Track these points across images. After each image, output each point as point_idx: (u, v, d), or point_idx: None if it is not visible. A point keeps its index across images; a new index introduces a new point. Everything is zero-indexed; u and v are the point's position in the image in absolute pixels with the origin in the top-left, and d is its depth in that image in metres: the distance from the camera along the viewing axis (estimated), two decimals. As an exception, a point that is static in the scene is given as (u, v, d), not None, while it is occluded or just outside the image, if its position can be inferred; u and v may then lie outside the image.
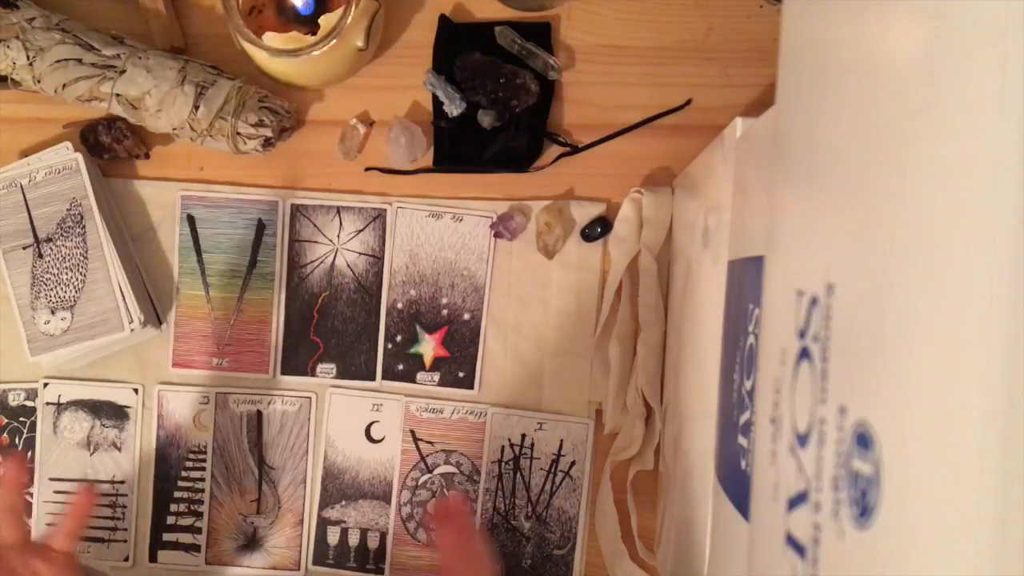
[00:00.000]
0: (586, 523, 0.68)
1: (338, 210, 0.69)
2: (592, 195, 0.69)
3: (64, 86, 0.64)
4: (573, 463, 0.68)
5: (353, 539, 0.69)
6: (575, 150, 0.68)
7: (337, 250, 0.69)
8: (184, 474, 0.70)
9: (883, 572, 0.24)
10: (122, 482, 0.69)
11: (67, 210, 0.67)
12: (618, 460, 0.67)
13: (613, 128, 0.68)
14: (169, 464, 0.70)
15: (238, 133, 0.65)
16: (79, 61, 0.64)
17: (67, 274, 0.66)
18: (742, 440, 0.41)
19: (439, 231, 0.69)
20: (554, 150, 0.68)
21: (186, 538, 0.69)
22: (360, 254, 0.69)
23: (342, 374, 0.69)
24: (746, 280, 0.43)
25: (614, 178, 0.68)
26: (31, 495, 0.69)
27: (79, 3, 0.69)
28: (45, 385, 0.70)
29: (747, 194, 0.45)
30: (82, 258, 0.66)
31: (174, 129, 0.65)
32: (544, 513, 0.68)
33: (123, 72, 0.64)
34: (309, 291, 0.70)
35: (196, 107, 0.64)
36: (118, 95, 0.64)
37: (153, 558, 0.69)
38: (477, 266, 0.69)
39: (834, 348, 0.29)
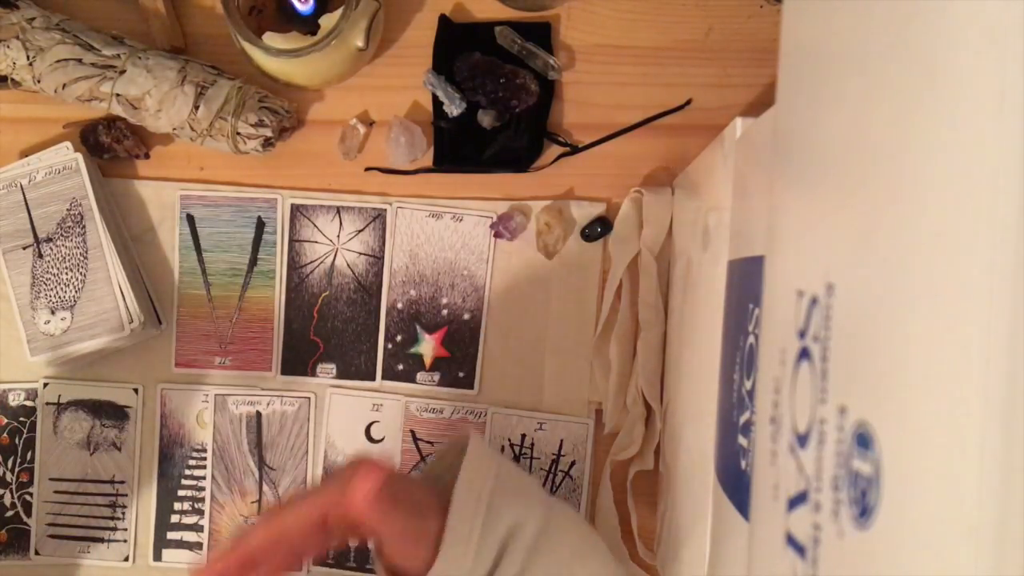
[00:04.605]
0: (586, 523, 0.68)
1: (338, 210, 0.69)
2: (592, 195, 0.69)
3: (64, 86, 0.64)
4: (573, 463, 0.68)
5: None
6: (575, 150, 0.68)
7: (337, 250, 0.69)
8: (188, 472, 0.70)
9: (883, 572, 0.24)
10: (122, 482, 0.69)
11: (67, 210, 0.67)
12: (618, 460, 0.67)
13: (613, 128, 0.68)
14: (173, 462, 0.70)
15: (238, 133, 0.65)
16: (79, 61, 0.64)
17: (67, 274, 0.66)
18: (742, 440, 0.41)
19: (439, 231, 0.69)
20: (554, 150, 0.68)
21: (191, 536, 0.69)
22: (360, 254, 0.69)
23: (342, 374, 0.69)
24: (746, 280, 0.43)
25: (614, 178, 0.68)
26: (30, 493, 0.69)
27: (79, 3, 0.69)
28: (45, 385, 0.70)
29: (747, 194, 0.45)
30: (82, 258, 0.66)
31: (174, 129, 0.65)
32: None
33: (123, 72, 0.64)
34: (309, 291, 0.70)
35: (196, 107, 0.64)
36: (118, 95, 0.64)
37: (158, 557, 0.69)
38: (477, 266, 0.69)
39: (834, 348, 0.29)
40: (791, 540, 0.31)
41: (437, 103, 0.68)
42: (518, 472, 0.54)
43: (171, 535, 0.69)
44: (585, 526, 0.53)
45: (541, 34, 0.68)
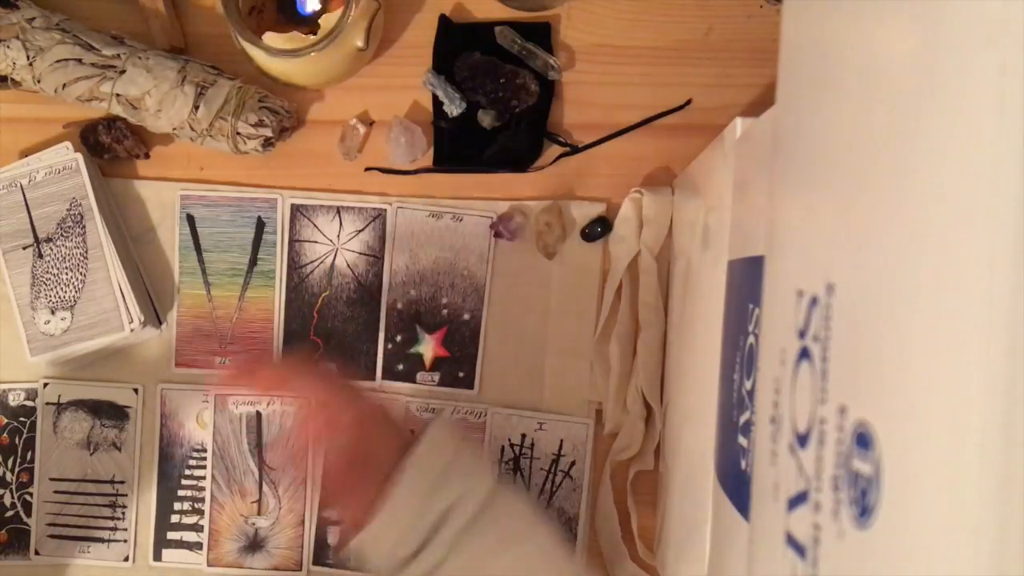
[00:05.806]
0: (586, 523, 0.68)
1: (338, 210, 0.69)
2: (592, 195, 0.69)
3: (64, 86, 0.64)
4: (573, 463, 0.68)
5: (353, 539, 0.69)
6: (575, 150, 0.68)
7: (337, 250, 0.69)
8: (188, 472, 0.70)
9: (883, 572, 0.24)
10: (122, 482, 0.69)
11: (67, 210, 0.67)
12: (618, 460, 0.67)
13: (613, 128, 0.68)
14: (173, 463, 0.70)
15: (238, 133, 0.65)
16: (79, 61, 0.64)
17: (67, 274, 0.66)
18: (742, 440, 0.42)
19: (439, 231, 0.69)
20: (554, 150, 0.68)
21: (191, 536, 0.69)
22: (360, 254, 0.69)
23: (342, 374, 0.69)
24: (746, 280, 0.43)
25: (614, 178, 0.68)
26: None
27: (79, 3, 0.69)
28: (45, 385, 0.70)
29: (747, 194, 0.45)
30: (82, 258, 0.66)
31: (174, 129, 0.65)
32: (544, 513, 0.68)
33: (123, 72, 0.64)
34: (309, 291, 0.70)
35: (196, 107, 0.64)
36: (118, 95, 0.64)
37: (158, 557, 0.69)
38: (477, 266, 0.69)
39: (834, 348, 0.29)
40: (791, 540, 0.31)
41: (437, 103, 0.68)
42: (470, 455, 0.55)
43: (171, 535, 0.69)
44: (524, 512, 0.53)
45: (541, 34, 0.68)
